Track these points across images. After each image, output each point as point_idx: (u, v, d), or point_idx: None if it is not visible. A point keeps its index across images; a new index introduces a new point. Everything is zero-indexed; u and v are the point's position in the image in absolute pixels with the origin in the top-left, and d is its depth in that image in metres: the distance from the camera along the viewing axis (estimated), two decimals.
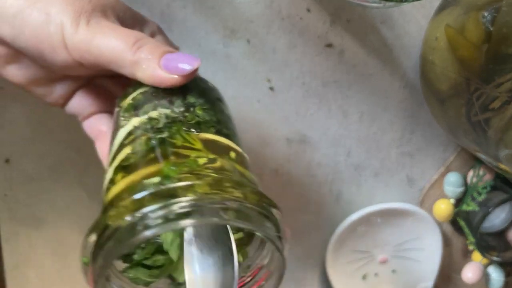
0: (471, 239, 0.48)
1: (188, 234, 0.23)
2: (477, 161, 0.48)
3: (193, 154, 0.22)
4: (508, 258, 0.49)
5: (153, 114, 0.25)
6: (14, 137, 0.39)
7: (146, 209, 0.19)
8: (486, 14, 0.33)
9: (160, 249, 0.26)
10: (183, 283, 0.24)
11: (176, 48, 0.31)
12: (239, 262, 0.24)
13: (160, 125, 0.24)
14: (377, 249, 0.50)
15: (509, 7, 0.32)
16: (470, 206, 0.47)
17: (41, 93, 0.29)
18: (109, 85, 0.31)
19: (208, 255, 0.22)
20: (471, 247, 0.51)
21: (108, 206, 0.21)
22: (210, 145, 0.24)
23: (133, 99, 0.26)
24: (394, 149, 0.48)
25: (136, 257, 0.26)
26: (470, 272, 0.50)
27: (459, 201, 0.49)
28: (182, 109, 0.25)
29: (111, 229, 0.20)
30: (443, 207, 0.48)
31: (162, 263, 0.26)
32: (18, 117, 0.38)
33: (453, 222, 0.51)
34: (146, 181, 0.21)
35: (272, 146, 0.44)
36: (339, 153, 0.46)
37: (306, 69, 0.42)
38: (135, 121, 0.25)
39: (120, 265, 0.25)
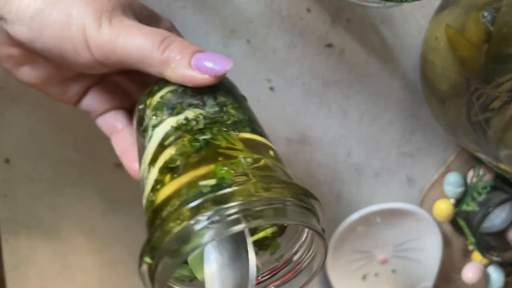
0: (471, 239, 0.48)
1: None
2: (477, 161, 0.48)
3: (240, 154, 0.23)
4: (508, 258, 0.49)
5: (189, 114, 0.25)
6: (14, 137, 0.39)
7: (207, 213, 0.19)
8: (486, 14, 0.33)
9: None
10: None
11: None
12: (270, 253, 0.25)
13: (200, 126, 0.24)
14: (377, 249, 0.50)
15: (509, 7, 0.32)
16: (470, 206, 0.47)
17: (55, 93, 0.29)
18: (122, 82, 0.31)
19: (227, 257, 0.22)
20: (471, 247, 0.51)
21: (162, 207, 0.21)
22: (249, 145, 0.24)
23: (162, 97, 0.26)
24: (394, 149, 0.48)
25: None
26: (470, 272, 0.50)
27: (459, 201, 0.49)
28: (216, 109, 0.25)
29: (171, 236, 0.20)
30: (443, 207, 0.48)
31: None
32: (18, 117, 0.38)
33: (453, 222, 0.51)
34: (202, 183, 0.21)
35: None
36: (339, 153, 0.46)
37: (306, 69, 0.42)
38: (171, 121, 0.24)
39: None
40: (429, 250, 0.51)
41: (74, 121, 0.39)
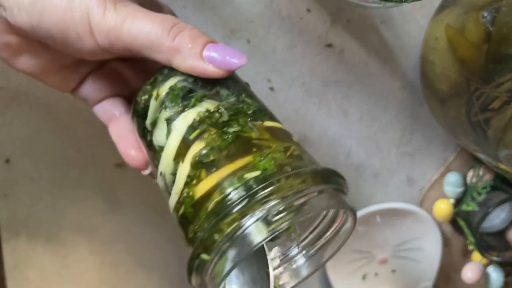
0: (471, 239, 0.48)
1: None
2: (477, 161, 0.49)
3: (271, 144, 0.23)
4: (508, 258, 0.49)
5: (209, 106, 0.24)
6: (14, 137, 0.39)
7: (269, 205, 0.20)
8: (486, 14, 0.33)
9: None
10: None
11: None
12: (287, 236, 0.26)
13: (225, 118, 0.24)
14: (377, 249, 0.50)
15: (509, 7, 0.32)
16: (470, 206, 0.47)
17: (53, 81, 0.29)
18: (121, 68, 0.30)
19: (248, 276, 0.23)
20: (471, 247, 0.51)
21: (204, 201, 0.21)
22: (274, 133, 0.24)
23: (172, 88, 0.25)
24: (394, 149, 0.48)
25: None
26: (470, 272, 0.50)
27: (459, 201, 0.49)
28: (233, 99, 0.25)
29: (235, 230, 0.20)
30: (443, 207, 0.48)
31: None
32: (18, 117, 0.38)
33: (453, 222, 0.51)
34: (248, 175, 0.21)
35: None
36: (339, 153, 0.46)
37: (306, 69, 0.42)
38: (192, 114, 0.24)
39: None
40: (429, 250, 0.51)
41: (74, 121, 0.39)
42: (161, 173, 0.24)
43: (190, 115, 0.24)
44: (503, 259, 0.49)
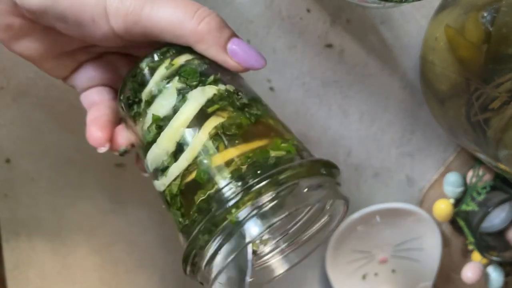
0: (471, 239, 0.48)
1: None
2: (476, 161, 0.49)
3: (287, 134, 0.25)
4: (508, 258, 0.49)
5: (229, 87, 0.25)
6: (14, 137, 0.39)
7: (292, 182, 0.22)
8: (485, 14, 0.33)
9: None
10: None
11: None
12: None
13: (245, 100, 0.25)
14: (377, 249, 0.50)
15: (509, 7, 0.32)
16: (469, 206, 0.47)
17: (49, 67, 0.28)
18: (117, 62, 0.30)
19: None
20: (470, 247, 0.51)
21: (222, 169, 0.22)
22: (284, 126, 0.26)
23: (190, 62, 0.25)
24: (394, 149, 0.48)
25: None
26: (469, 272, 0.50)
27: (458, 201, 0.49)
28: (247, 89, 0.26)
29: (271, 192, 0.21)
30: (443, 207, 0.48)
31: None
32: (18, 117, 0.38)
33: (453, 222, 0.51)
34: (273, 153, 0.23)
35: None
36: (339, 153, 0.46)
37: (306, 69, 0.42)
38: (212, 89, 0.24)
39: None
40: (428, 250, 0.51)
41: (74, 121, 0.39)
42: (153, 141, 0.24)
43: (209, 90, 0.24)
44: (503, 259, 0.49)
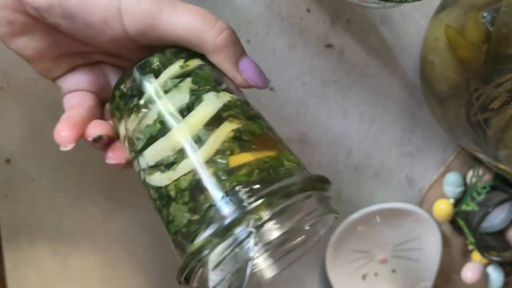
0: (471, 239, 0.48)
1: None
2: (476, 161, 0.49)
3: (286, 149, 0.26)
4: (508, 257, 0.49)
5: (240, 96, 0.26)
6: (14, 137, 0.39)
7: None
8: (485, 14, 0.33)
9: None
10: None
11: None
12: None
13: (255, 112, 0.26)
14: (377, 249, 0.50)
15: (509, 7, 0.32)
16: (469, 206, 0.47)
17: (43, 67, 0.28)
18: (110, 73, 0.30)
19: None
20: (470, 247, 0.51)
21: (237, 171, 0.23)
22: (283, 141, 0.27)
23: (202, 68, 0.26)
24: (394, 149, 0.48)
25: None
26: (469, 272, 0.50)
27: (458, 201, 0.49)
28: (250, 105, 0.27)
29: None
30: (443, 207, 0.48)
31: None
32: (18, 117, 0.38)
33: (453, 222, 0.51)
34: (287, 164, 0.24)
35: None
36: (339, 153, 0.46)
37: (306, 69, 0.42)
38: (227, 96, 0.25)
39: None
40: (428, 250, 0.51)
41: None
42: (157, 135, 0.24)
43: (224, 96, 0.25)
44: (503, 259, 0.49)
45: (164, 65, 0.25)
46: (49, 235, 0.42)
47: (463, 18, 0.36)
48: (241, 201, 0.22)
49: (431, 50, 0.39)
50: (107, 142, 0.27)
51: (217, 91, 0.25)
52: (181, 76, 0.25)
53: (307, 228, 0.26)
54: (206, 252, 0.21)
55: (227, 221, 0.21)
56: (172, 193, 0.24)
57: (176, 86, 0.25)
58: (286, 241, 0.27)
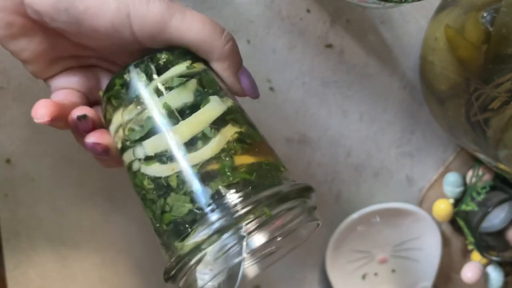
0: (471, 239, 0.48)
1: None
2: (476, 161, 0.49)
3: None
4: (508, 257, 0.49)
5: (238, 104, 0.27)
6: (14, 137, 0.39)
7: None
8: (485, 14, 0.33)
9: None
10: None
11: None
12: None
13: (250, 120, 0.27)
14: (376, 249, 0.50)
15: (509, 8, 0.32)
16: (469, 206, 0.47)
17: (38, 69, 0.27)
18: (102, 77, 0.30)
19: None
20: (470, 247, 0.51)
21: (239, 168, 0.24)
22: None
23: (207, 73, 0.27)
24: (394, 149, 0.48)
25: None
26: (469, 272, 0.50)
27: (458, 201, 0.49)
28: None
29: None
30: (443, 207, 0.48)
31: None
32: (18, 117, 0.38)
33: (453, 222, 0.51)
34: (283, 169, 0.26)
35: (272, 146, 0.44)
36: (339, 153, 0.46)
37: (306, 69, 0.42)
38: (230, 102, 0.27)
39: None
40: (428, 250, 0.51)
41: None
42: (158, 128, 0.25)
43: (227, 101, 0.26)
44: (502, 259, 0.49)
45: (171, 63, 0.26)
46: (49, 235, 0.42)
47: (463, 18, 0.36)
48: (235, 205, 0.23)
49: (431, 50, 0.39)
50: (91, 127, 0.27)
51: (221, 95, 0.26)
52: (187, 76, 0.26)
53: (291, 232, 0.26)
54: (196, 254, 0.22)
55: (222, 223, 0.22)
56: (173, 184, 0.24)
57: (181, 84, 0.25)
58: (269, 243, 0.27)
